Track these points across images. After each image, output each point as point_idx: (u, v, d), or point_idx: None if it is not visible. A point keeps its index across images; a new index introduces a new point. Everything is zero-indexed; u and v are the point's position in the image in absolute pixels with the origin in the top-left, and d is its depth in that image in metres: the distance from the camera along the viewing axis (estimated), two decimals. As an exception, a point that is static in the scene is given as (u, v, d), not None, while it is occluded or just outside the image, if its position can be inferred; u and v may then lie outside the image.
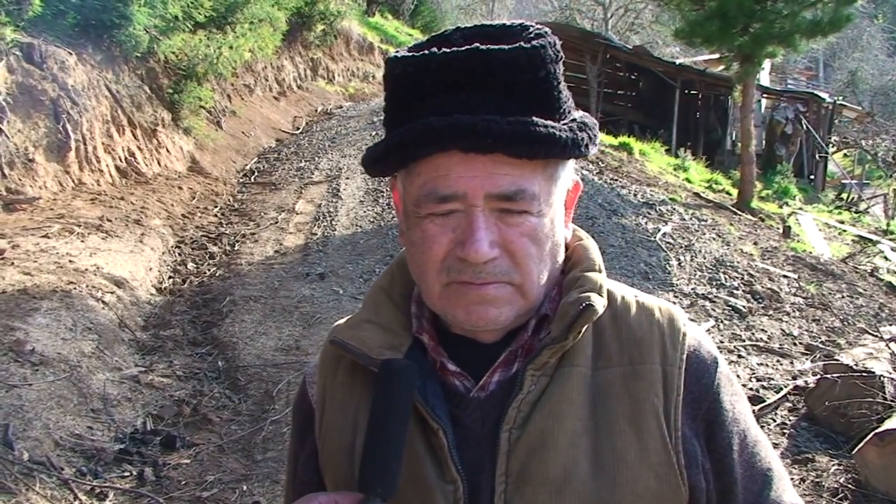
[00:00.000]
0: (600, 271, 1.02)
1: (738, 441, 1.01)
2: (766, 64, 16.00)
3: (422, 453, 0.96)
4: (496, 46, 0.89)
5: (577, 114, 0.97)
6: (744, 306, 6.65)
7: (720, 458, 1.00)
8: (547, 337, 0.97)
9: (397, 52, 0.97)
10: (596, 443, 0.94)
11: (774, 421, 4.60)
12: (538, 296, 0.97)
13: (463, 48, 0.90)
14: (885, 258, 10.07)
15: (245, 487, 3.86)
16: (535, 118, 0.89)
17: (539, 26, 0.96)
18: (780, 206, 13.21)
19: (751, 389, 4.98)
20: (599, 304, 0.96)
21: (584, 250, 1.05)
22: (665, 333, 1.00)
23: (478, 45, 0.90)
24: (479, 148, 0.88)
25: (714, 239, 8.43)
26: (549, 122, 0.90)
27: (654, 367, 0.98)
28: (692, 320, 1.09)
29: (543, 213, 0.94)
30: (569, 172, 1.00)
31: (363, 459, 0.90)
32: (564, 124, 0.92)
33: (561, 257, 1.01)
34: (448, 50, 0.90)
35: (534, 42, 0.91)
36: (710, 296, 6.75)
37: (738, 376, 5.09)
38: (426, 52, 0.91)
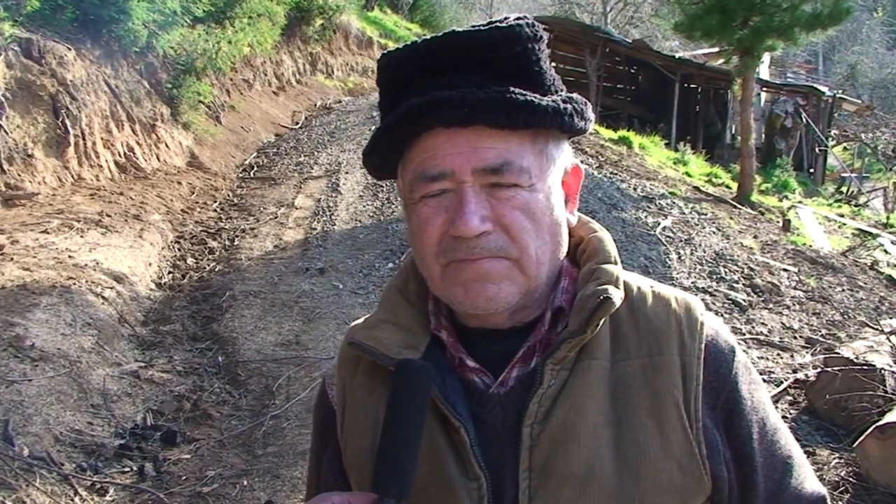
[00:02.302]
0: (616, 263, 1.01)
1: (758, 429, 1.01)
2: (766, 57, 15.97)
3: (444, 451, 0.95)
4: (473, 29, 0.93)
5: (566, 94, 0.98)
6: (744, 300, 6.64)
7: (740, 447, 0.99)
8: (565, 331, 0.96)
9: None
10: (618, 435, 0.94)
11: (775, 414, 4.60)
12: (538, 274, 0.96)
13: (441, 34, 0.93)
14: (885, 251, 10.07)
15: (245, 482, 3.87)
16: (512, 87, 0.90)
17: (522, 14, 0.98)
18: (780, 200, 13.19)
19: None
20: (617, 296, 0.95)
21: (599, 242, 1.04)
22: (682, 323, 0.99)
23: (455, 29, 0.94)
24: (458, 119, 0.89)
25: (714, 233, 8.42)
26: (528, 92, 0.91)
27: (673, 358, 0.97)
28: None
29: (536, 189, 0.93)
30: (565, 153, 1.00)
31: (378, 460, 0.89)
32: (548, 96, 0.93)
33: (564, 240, 1.00)
34: (428, 37, 0.94)
35: (510, 23, 0.94)
36: (710, 289, 6.75)
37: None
38: (409, 44, 0.95)
